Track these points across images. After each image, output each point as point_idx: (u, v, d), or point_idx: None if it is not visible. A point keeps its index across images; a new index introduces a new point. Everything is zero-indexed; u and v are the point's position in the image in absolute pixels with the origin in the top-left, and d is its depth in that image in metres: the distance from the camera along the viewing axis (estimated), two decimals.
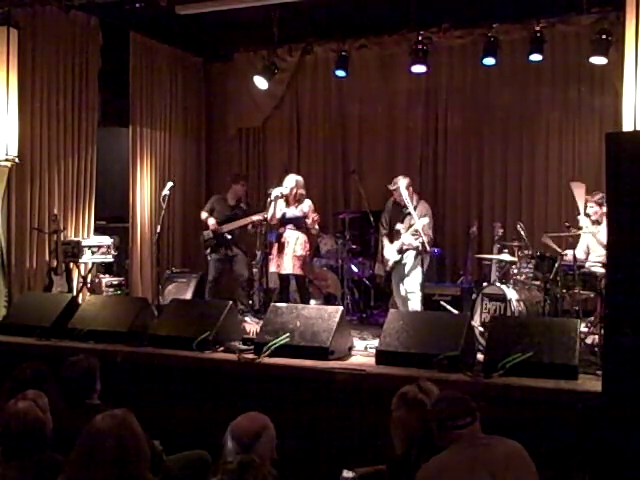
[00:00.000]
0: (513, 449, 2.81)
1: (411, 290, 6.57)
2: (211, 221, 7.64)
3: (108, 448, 2.47)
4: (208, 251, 7.72)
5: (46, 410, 3.09)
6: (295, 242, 6.86)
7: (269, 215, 6.84)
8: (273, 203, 6.81)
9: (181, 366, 5.15)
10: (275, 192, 6.82)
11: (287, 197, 6.90)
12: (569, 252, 5.81)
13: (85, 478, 2.48)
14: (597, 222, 6.36)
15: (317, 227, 7.17)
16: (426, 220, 6.47)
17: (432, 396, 3.21)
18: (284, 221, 6.91)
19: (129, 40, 8.65)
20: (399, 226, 6.70)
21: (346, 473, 3.46)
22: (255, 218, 7.37)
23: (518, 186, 8.66)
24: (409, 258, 6.67)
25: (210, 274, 7.73)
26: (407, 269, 6.66)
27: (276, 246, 6.94)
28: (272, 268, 6.96)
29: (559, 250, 6.20)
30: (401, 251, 6.68)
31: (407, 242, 6.60)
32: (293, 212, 6.91)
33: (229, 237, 7.60)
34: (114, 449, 2.47)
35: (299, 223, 6.93)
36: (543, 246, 6.48)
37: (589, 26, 7.62)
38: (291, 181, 6.91)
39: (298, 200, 6.93)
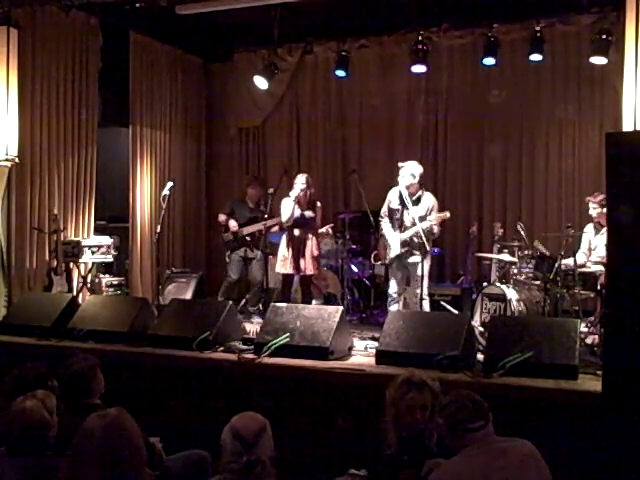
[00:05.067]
0: (527, 452, 2.77)
1: (425, 296, 6.33)
2: (232, 223, 7.68)
3: (99, 447, 2.47)
4: (228, 252, 7.77)
5: (53, 412, 3.08)
6: (311, 243, 6.94)
7: (287, 217, 6.84)
8: (293, 205, 6.82)
9: (181, 366, 5.15)
10: (294, 194, 6.82)
11: (299, 198, 6.90)
12: (569, 261, 5.80)
13: (80, 478, 2.48)
14: (599, 224, 6.35)
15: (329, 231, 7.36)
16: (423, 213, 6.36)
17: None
18: (298, 223, 6.92)
19: (129, 40, 8.64)
20: (404, 216, 6.45)
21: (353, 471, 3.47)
22: (270, 223, 7.28)
23: (518, 186, 8.66)
24: (419, 261, 6.29)
25: (233, 274, 7.74)
26: (419, 273, 6.28)
27: (289, 247, 6.94)
28: (285, 269, 6.98)
29: (546, 253, 6.21)
30: (406, 244, 6.39)
31: (416, 236, 6.27)
32: (309, 214, 6.96)
33: (249, 239, 7.65)
34: (105, 448, 2.47)
35: (312, 224, 7.01)
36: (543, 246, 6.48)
37: (589, 26, 7.63)
38: (302, 182, 6.89)
39: (310, 201, 6.99)
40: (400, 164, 6.49)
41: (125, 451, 2.51)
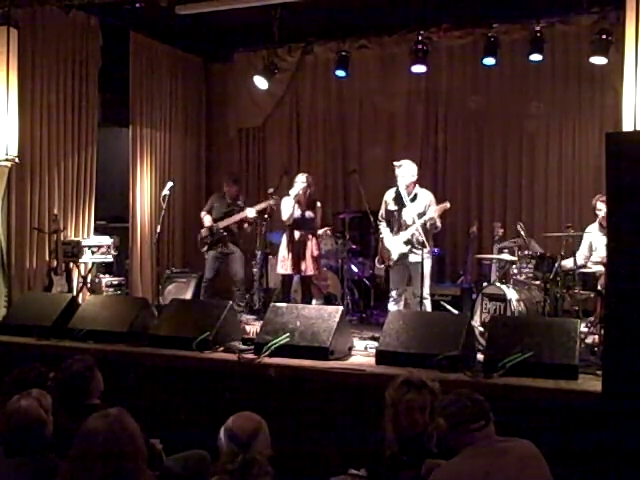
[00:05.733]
0: (528, 452, 2.76)
1: (426, 296, 6.32)
2: (207, 218, 7.65)
3: (101, 447, 2.47)
4: (205, 249, 7.69)
5: (48, 410, 3.08)
6: (311, 244, 6.95)
7: (287, 216, 6.86)
8: (293, 203, 6.85)
9: (181, 366, 5.15)
10: (294, 192, 6.84)
11: (299, 197, 6.92)
12: (569, 261, 5.79)
13: (82, 478, 2.48)
14: (602, 226, 6.33)
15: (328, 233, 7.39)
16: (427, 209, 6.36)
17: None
18: (298, 222, 6.94)
19: (129, 40, 8.65)
20: (403, 215, 6.42)
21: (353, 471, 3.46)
22: (250, 214, 7.38)
23: (518, 186, 8.66)
24: (419, 259, 6.24)
25: (207, 272, 7.68)
26: (419, 272, 6.22)
27: (289, 248, 6.95)
28: (285, 270, 6.99)
29: (541, 251, 6.21)
30: (408, 243, 6.37)
31: (416, 233, 6.25)
32: (309, 214, 6.98)
33: (224, 234, 7.58)
34: (107, 448, 2.47)
35: (312, 225, 7.04)
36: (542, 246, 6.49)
37: (589, 26, 7.62)
38: (303, 180, 6.92)
39: (311, 200, 7.01)
40: (396, 163, 6.48)
41: (127, 451, 2.51)
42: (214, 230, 7.58)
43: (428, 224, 6.25)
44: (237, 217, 7.57)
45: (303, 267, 6.93)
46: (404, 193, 6.33)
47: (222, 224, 7.59)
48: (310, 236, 6.99)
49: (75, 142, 8.02)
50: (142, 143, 8.97)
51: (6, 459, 2.92)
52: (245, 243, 7.99)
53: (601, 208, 6.33)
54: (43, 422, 3.01)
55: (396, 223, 6.51)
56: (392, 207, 6.52)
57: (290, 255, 6.93)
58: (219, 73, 10.11)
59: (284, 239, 7.05)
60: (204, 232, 7.68)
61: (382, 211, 6.64)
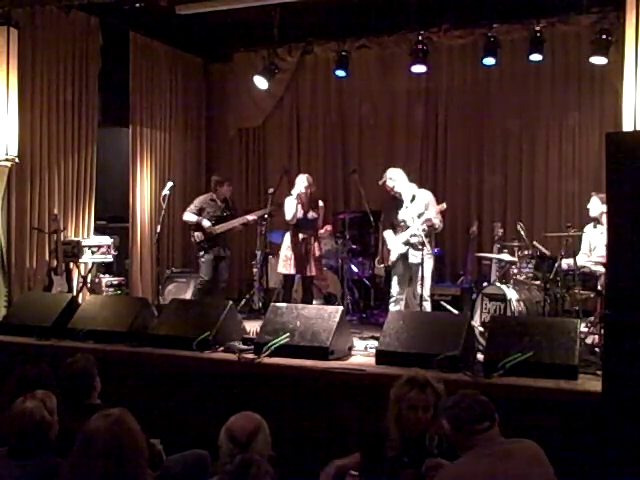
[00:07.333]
0: (532, 453, 2.76)
1: (426, 297, 6.31)
2: (206, 223, 7.45)
3: (103, 447, 2.47)
4: (202, 253, 7.51)
5: (53, 412, 3.07)
6: (314, 244, 6.99)
7: (291, 215, 6.89)
8: (296, 203, 6.88)
9: (181, 366, 5.15)
10: (296, 192, 6.89)
11: (301, 197, 6.93)
12: (570, 261, 5.79)
13: (83, 478, 2.48)
14: (597, 220, 6.36)
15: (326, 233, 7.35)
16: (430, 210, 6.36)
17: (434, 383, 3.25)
18: (301, 223, 6.96)
19: (129, 40, 8.66)
20: (403, 216, 6.43)
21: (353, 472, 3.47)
22: (250, 217, 7.44)
23: (518, 186, 8.66)
24: (419, 259, 6.22)
25: (205, 275, 7.48)
26: (420, 273, 6.19)
27: (292, 248, 6.97)
28: (287, 270, 7.00)
29: (547, 253, 6.20)
30: (407, 243, 6.41)
31: (417, 233, 6.21)
32: (312, 214, 7.01)
33: (222, 237, 7.54)
34: (109, 448, 2.47)
35: (315, 225, 7.06)
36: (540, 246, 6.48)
37: (589, 26, 7.63)
38: (304, 181, 6.95)
39: (313, 200, 7.03)
40: (391, 174, 6.53)
41: (129, 451, 2.51)
42: (213, 234, 7.48)
43: (425, 225, 6.26)
44: (237, 222, 7.49)
45: (307, 268, 6.95)
46: (404, 194, 6.36)
47: (219, 229, 7.47)
48: (313, 237, 7.03)
49: (75, 142, 8.02)
50: (142, 143, 8.97)
51: (10, 460, 2.92)
52: (244, 243, 7.96)
53: (593, 203, 6.35)
54: (48, 424, 3.01)
55: (398, 226, 6.54)
56: (392, 212, 6.57)
57: (293, 255, 6.95)
58: (219, 73, 10.11)
59: (287, 239, 7.05)
60: (200, 236, 7.49)
61: (383, 218, 6.70)
